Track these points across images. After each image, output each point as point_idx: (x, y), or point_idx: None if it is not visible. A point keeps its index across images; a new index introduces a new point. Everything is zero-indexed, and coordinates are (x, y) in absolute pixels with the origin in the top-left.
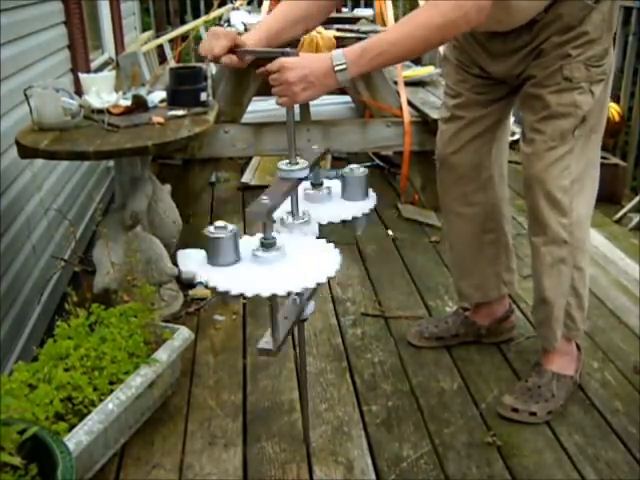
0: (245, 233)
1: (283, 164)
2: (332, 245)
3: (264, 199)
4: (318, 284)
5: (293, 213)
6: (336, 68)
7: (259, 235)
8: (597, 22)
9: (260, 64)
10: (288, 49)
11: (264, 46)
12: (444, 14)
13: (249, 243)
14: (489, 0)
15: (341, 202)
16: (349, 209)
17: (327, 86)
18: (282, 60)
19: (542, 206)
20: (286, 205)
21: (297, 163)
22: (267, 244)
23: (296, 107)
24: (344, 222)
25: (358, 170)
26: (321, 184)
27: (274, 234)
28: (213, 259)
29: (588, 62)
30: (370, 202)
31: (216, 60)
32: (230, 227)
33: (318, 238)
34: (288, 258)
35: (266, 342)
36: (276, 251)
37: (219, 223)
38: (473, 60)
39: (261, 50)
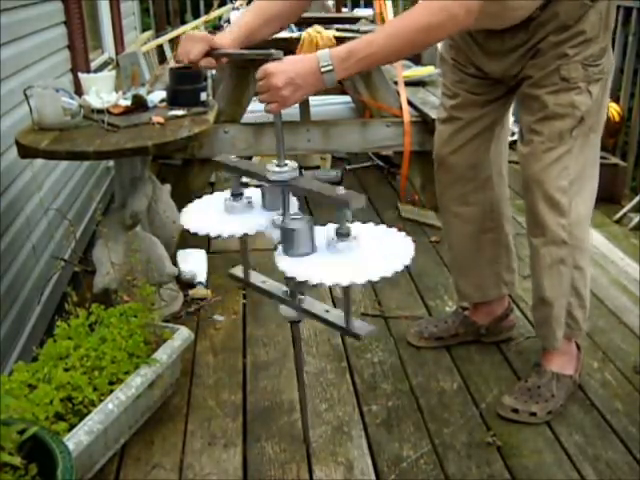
0: None
1: (272, 166)
2: (404, 233)
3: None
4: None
5: (284, 214)
6: (322, 69)
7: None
8: (594, 21)
9: (261, 63)
10: (272, 50)
11: (242, 45)
12: (431, 16)
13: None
14: (478, 0)
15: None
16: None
17: (314, 87)
18: (266, 66)
19: (541, 207)
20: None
21: (286, 165)
22: (342, 233)
23: (296, 107)
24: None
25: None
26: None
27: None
28: (289, 250)
29: (585, 62)
30: None
31: (193, 64)
32: (307, 217)
33: None
34: (362, 247)
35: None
36: (351, 240)
37: (294, 214)
38: (469, 59)
39: (243, 52)
